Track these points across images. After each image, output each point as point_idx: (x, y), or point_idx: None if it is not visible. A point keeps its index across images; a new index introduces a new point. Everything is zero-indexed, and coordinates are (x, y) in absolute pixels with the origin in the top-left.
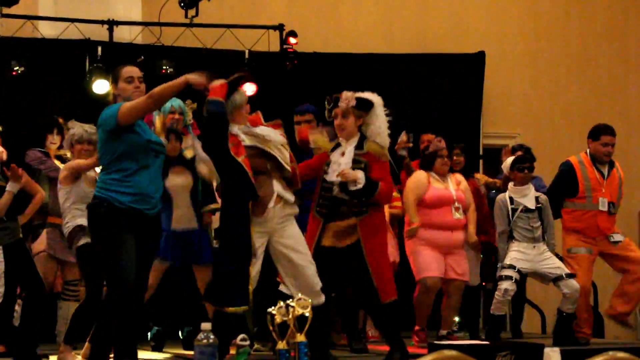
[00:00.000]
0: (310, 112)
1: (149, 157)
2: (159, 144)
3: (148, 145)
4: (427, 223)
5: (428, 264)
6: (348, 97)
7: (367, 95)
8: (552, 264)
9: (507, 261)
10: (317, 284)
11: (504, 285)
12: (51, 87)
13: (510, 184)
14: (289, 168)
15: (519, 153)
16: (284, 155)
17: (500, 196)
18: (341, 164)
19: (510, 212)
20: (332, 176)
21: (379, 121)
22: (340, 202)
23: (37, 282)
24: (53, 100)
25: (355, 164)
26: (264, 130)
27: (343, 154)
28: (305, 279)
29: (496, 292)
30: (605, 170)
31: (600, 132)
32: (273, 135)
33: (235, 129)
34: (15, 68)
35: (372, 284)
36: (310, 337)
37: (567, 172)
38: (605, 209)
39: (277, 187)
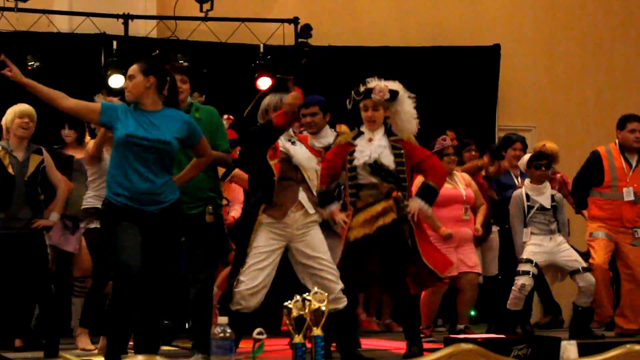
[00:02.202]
0: (314, 104)
1: (133, 152)
2: (145, 138)
3: (129, 140)
4: (437, 218)
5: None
6: (383, 90)
7: (392, 84)
8: (570, 257)
9: (525, 255)
10: (338, 289)
11: (521, 280)
12: (67, 81)
13: (527, 181)
14: (315, 193)
15: (518, 144)
16: (312, 184)
17: (517, 192)
18: (370, 149)
19: (526, 209)
20: (360, 160)
21: (407, 108)
22: (368, 187)
23: (43, 276)
24: (68, 94)
25: (394, 149)
26: (298, 153)
27: (370, 140)
28: (325, 285)
29: (513, 288)
30: (634, 161)
31: (625, 119)
32: (306, 163)
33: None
34: (31, 62)
35: (422, 262)
36: (337, 339)
37: (593, 161)
38: (632, 198)
39: (302, 196)
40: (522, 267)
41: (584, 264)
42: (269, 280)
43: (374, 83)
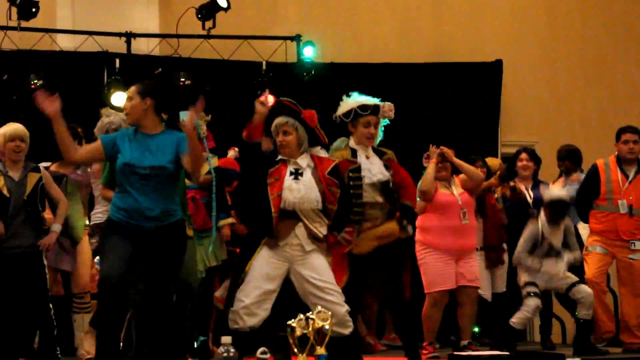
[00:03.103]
0: None
1: (132, 178)
2: (142, 167)
3: (126, 169)
4: (435, 227)
5: (437, 276)
6: (392, 109)
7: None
8: (562, 276)
9: (524, 279)
10: (343, 311)
11: (533, 302)
12: (69, 99)
13: (543, 216)
14: (316, 232)
15: (523, 155)
16: (309, 220)
17: (534, 228)
18: (376, 167)
19: (536, 244)
20: (373, 179)
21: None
22: (373, 206)
23: (41, 297)
24: (71, 113)
25: (387, 169)
26: (293, 192)
27: (367, 157)
28: (329, 309)
29: (524, 309)
30: (632, 173)
31: (620, 131)
32: (299, 204)
33: (280, 156)
34: (34, 81)
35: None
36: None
37: (591, 175)
38: (625, 211)
39: (300, 231)
40: (529, 289)
41: (576, 278)
42: (269, 301)
43: (368, 100)
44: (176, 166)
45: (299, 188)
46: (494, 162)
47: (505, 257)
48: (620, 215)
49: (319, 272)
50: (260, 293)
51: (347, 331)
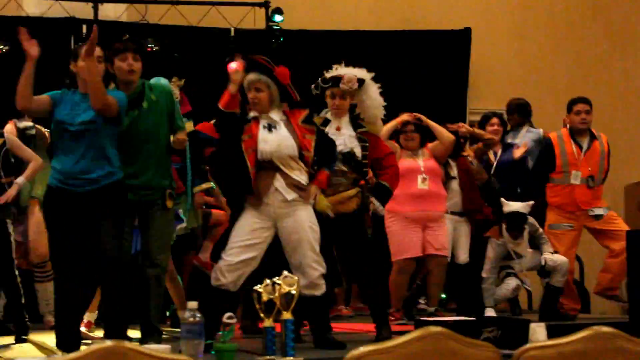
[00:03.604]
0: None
1: (65, 137)
2: (72, 124)
3: (58, 127)
4: (398, 195)
5: (403, 244)
6: (351, 80)
7: (357, 71)
8: (532, 257)
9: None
10: (317, 275)
11: (513, 282)
12: (36, 65)
13: (506, 234)
14: (296, 180)
15: (495, 119)
16: (289, 169)
17: (498, 247)
18: (343, 138)
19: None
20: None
21: (374, 95)
22: (337, 174)
23: (6, 264)
24: (38, 79)
25: (360, 142)
26: (268, 143)
27: (338, 129)
28: (304, 269)
29: (503, 287)
30: (585, 144)
31: (572, 102)
32: (275, 153)
33: (252, 114)
34: (0, 46)
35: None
36: (311, 323)
37: (546, 149)
38: (579, 182)
39: (279, 183)
40: (507, 270)
41: (550, 249)
42: (255, 261)
43: (342, 71)
44: (104, 123)
45: (274, 138)
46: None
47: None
48: (577, 186)
49: (300, 230)
50: (244, 252)
51: (318, 292)
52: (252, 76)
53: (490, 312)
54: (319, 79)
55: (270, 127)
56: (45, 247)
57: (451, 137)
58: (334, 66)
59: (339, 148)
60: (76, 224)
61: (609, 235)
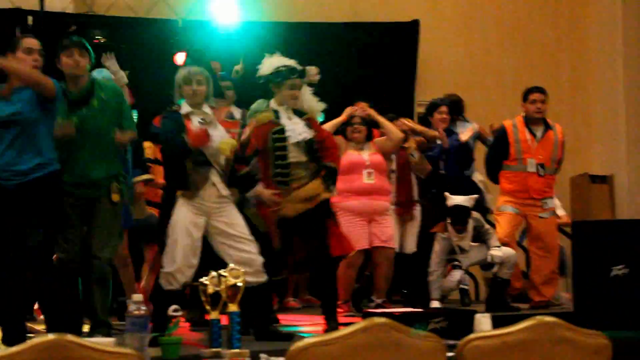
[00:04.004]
0: (229, 78)
1: None
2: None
3: None
4: (343, 189)
5: (350, 238)
6: (315, 73)
7: (293, 63)
8: (479, 251)
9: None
10: (257, 261)
11: (458, 274)
12: None
13: (451, 229)
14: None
15: (444, 108)
16: (221, 167)
17: (443, 242)
18: (299, 127)
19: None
20: (296, 138)
21: (308, 89)
22: (299, 165)
23: None
24: None
25: (309, 128)
26: (215, 137)
27: (289, 119)
28: (243, 255)
29: (449, 278)
30: (539, 132)
31: (527, 91)
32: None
33: (185, 110)
34: None
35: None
36: (253, 314)
37: (500, 136)
38: (534, 170)
39: (216, 178)
40: (454, 262)
41: (497, 243)
42: (196, 256)
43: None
44: (36, 110)
45: (216, 134)
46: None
47: (416, 212)
48: (530, 174)
49: (234, 222)
50: (186, 251)
51: (262, 279)
52: (195, 68)
53: (435, 304)
54: (279, 67)
55: (205, 122)
56: None
57: (400, 134)
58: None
59: (302, 136)
60: (6, 219)
61: (537, 243)
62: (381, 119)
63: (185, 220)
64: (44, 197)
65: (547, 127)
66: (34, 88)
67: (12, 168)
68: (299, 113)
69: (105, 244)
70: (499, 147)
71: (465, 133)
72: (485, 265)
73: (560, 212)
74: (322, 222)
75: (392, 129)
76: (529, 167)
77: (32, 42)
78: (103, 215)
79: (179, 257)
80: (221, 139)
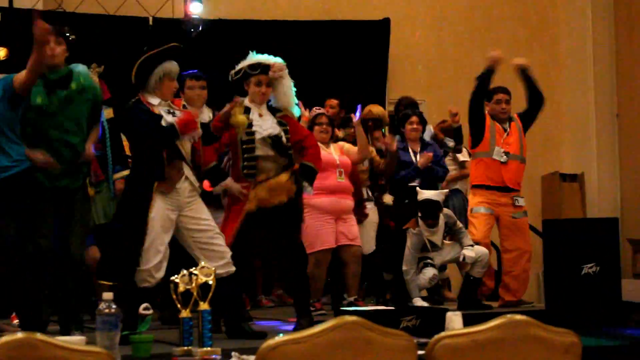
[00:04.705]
0: (205, 78)
1: None
2: None
3: None
4: (315, 187)
5: (317, 237)
6: (282, 68)
7: (271, 59)
8: (452, 248)
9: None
10: (227, 253)
11: (430, 272)
12: None
13: (422, 223)
14: (189, 164)
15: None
16: (189, 158)
17: (415, 238)
18: (268, 123)
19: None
20: (263, 134)
21: (288, 84)
22: (266, 159)
23: None
24: None
25: (281, 125)
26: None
27: (260, 115)
28: (214, 248)
29: (421, 277)
30: (506, 125)
31: (492, 92)
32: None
33: (156, 102)
34: None
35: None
36: (222, 307)
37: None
38: (502, 159)
39: (188, 171)
40: (425, 260)
41: (470, 242)
42: (168, 250)
43: (264, 58)
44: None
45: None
46: (378, 109)
47: (369, 211)
48: (502, 163)
49: (203, 216)
50: (164, 247)
51: (231, 269)
52: (175, 66)
53: (418, 302)
54: (244, 65)
55: (173, 114)
56: None
57: (370, 154)
58: (274, 62)
59: (266, 132)
60: None
61: (509, 241)
62: (360, 131)
63: (163, 216)
64: (8, 200)
65: (510, 120)
66: (33, 78)
67: None
68: (274, 110)
69: (80, 240)
70: (475, 128)
71: (423, 158)
72: (460, 264)
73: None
74: (294, 219)
75: (366, 145)
76: (495, 155)
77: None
78: (78, 210)
79: (158, 254)
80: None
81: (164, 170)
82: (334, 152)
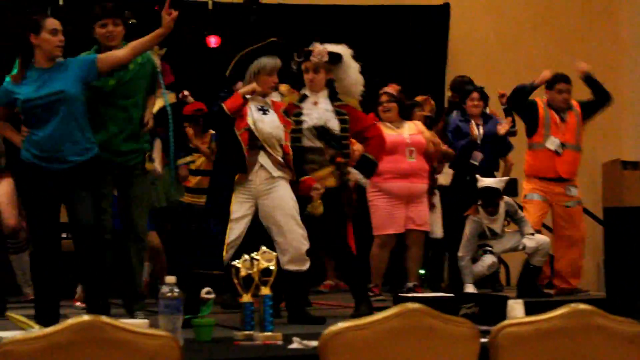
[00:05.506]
0: None
1: (34, 113)
2: (39, 97)
3: (25, 106)
4: (385, 171)
5: (386, 220)
6: (321, 52)
7: (336, 47)
8: (512, 237)
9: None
10: (304, 249)
11: (488, 259)
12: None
13: (482, 211)
14: (279, 159)
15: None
16: (274, 151)
17: (474, 224)
18: (318, 112)
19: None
20: (309, 123)
21: (352, 74)
22: (312, 151)
23: None
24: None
25: (339, 115)
26: (265, 126)
27: (315, 103)
28: (291, 241)
29: (479, 264)
30: (564, 114)
31: (554, 80)
32: (268, 137)
33: (249, 96)
34: None
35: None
36: (289, 299)
37: (530, 110)
38: (558, 149)
39: (265, 160)
40: (485, 247)
41: (530, 230)
42: (242, 236)
43: (315, 45)
44: (79, 89)
45: (269, 120)
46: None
47: (436, 200)
48: (556, 154)
49: (283, 205)
50: (236, 229)
51: (305, 267)
52: (278, 61)
53: (470, 289)
54: (294, 54)
55: (264, 111)
56: (15, 219)
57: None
58: (315, 46)
59: (313, 122)
60: (51, 198)
61: (563, 231)
62: (437, 141)
63: (239, 210)
64: (89, 178)
65: (570, 108)
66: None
67: (57, 154)
68: (334, 98)
69: (142, 217)
70: (527, 120)
71: (503, 126)
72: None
73: None
74: (333, 210)
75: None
76: (550, 144)
77: (55, 23)
78: (139, 187)
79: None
80: (275, 125)
81: (245, 163)
82: (406, 131)
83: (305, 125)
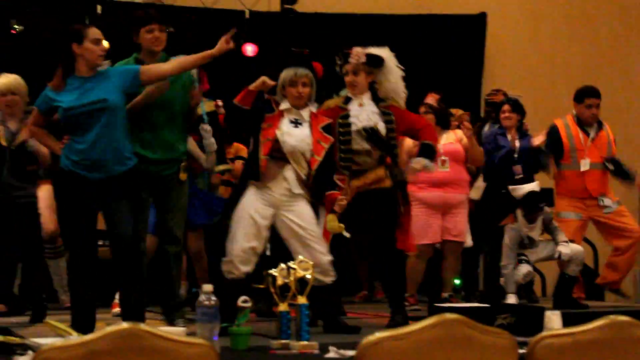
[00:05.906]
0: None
1: (74, 122)
2: (81, 105)
3: (66, 114)
4: (419, 180)
5: (422, 229)
6: (358, 54)
7: (377, 50)
8: (546, 246)
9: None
10: (326, 261)
11: (524, 268)
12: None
13: (521, 219)
14: (303, 176)
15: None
16: (298, 166)
17: (513, 233)
18: (367, 114)
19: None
20: (358, 125)
21: (393, 77)
22: (361, 153)
23: (35, 243)
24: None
25: (384, 115)
26: (291, 138)
27: (360, 105)
28: (313, 257)
29: (515, 274)
30: (593, 132)
31: (583, 94)
32: (293, 151)
33: (285, 106)
34: (15, 26)
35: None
36: (320, 307)
37: (552, 135)
38: (587, 168)
39: (289, 174)
40: (521, 256)
41: (564, 238)
42: (261, 245)
43: (354, 48)
44: (118, 100)
45: (298, 134)
46: (457, 112)
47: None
48: (586, 172)
49: (303, 219)
50: (250, 239)
51: (328, 279)
52: (302, 70)
53: (512, 299)
54: (336, 57)
55: (296, 123)
56: (54, 224)
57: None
58: (353, 48)
59: (362, 123)
60: (89, 206)
61: (615, 233)
62: (473, 141)
63: (250, 208)
64: (128, 189)
65: (600, 126)
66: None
67: (99, 164)
68: (378, 99)
69: (179, 226)
70: (552, 144)
71: (538, 138)
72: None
73: None
74: (388, 212)
75: (476, 152)
76: (582, 166)
77: (98, 33)
78: (175, 195)
79: (241, 245)
80: (302, 140)
81: (258, 169)
82: (441, 140)
83: (354, 128)
